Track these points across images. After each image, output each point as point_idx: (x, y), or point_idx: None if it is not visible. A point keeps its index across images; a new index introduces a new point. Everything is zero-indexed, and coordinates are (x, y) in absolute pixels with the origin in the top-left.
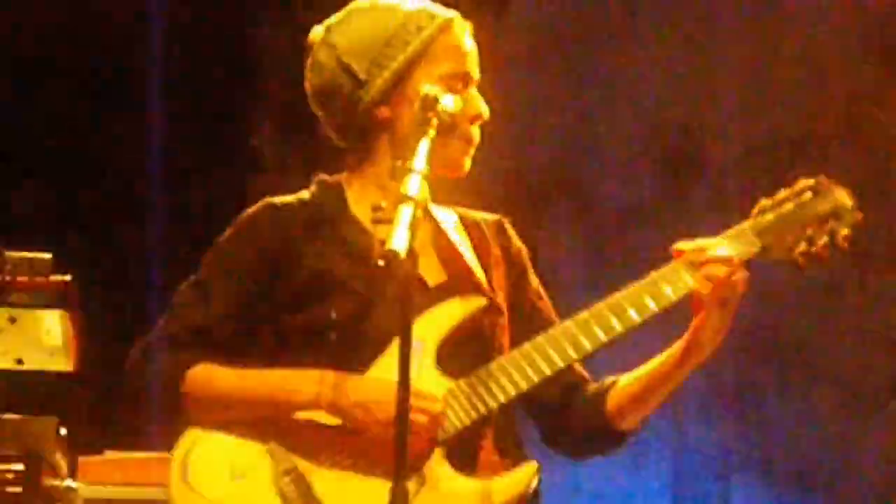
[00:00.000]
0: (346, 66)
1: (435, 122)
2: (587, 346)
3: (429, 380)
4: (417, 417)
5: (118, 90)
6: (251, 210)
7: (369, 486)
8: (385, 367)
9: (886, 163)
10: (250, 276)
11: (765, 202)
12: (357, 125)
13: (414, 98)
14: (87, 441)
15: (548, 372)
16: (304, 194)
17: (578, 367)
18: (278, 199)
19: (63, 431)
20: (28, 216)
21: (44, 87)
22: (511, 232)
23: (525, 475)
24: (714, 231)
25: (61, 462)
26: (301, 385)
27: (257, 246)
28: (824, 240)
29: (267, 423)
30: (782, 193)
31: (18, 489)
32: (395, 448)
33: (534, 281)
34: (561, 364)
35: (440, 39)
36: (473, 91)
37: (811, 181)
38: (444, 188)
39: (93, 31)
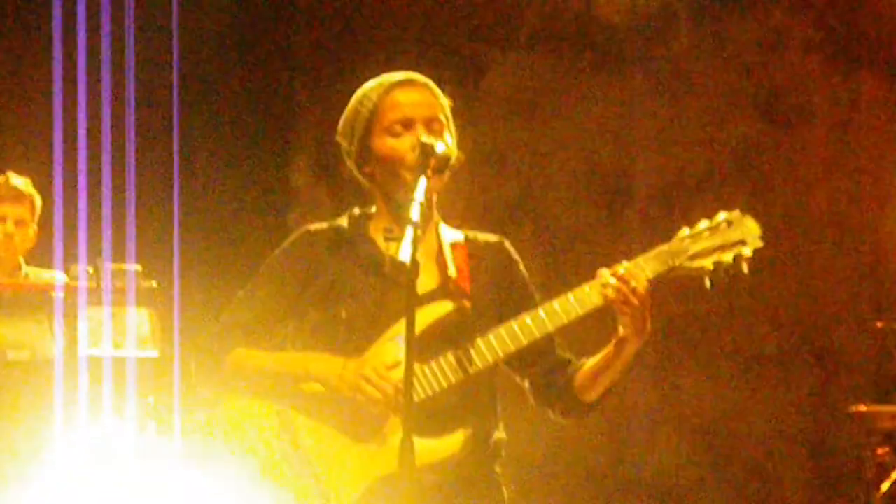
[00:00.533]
0: (339, 143)
1: (432, 162)
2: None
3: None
4: (368, 390)
5: None
6: (293, 234)
7: (343, 444)
8: (374, 353)
9: (771, 194)
10: (285, 284)
11: (684, 231)
12: (361, 179)
13: (381, 152)
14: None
15: (501, 355)
16: (340, 220)
17: (560, 352)
18: (314, 225)
19: (150, 400)
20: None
21: None
22: (510, 249)
23: (450, 442)
24: (641, 248)
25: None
26: (306, 363)
27: (292, 262)
28: (729, 261)
29: (282, 392)
30: (702, 224)
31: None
32: (403, 413)
33: (527, 287)
34: (512, 347)
35: (385, 100)
36: (420, 128)
37: (728, 214)
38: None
39: None
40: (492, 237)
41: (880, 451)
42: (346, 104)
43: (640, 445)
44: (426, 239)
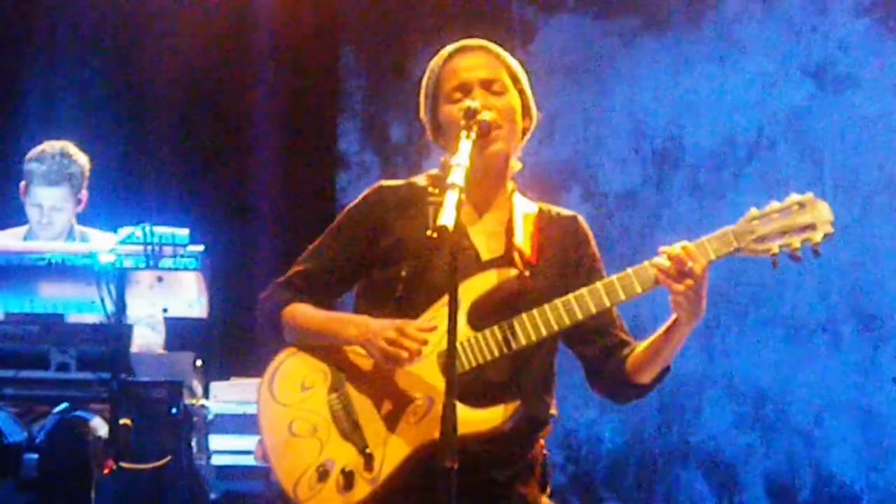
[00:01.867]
0: (419, 115)
1: (475, 127)
2: (583, 313)
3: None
4: (395, 350)
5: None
6: (367, 189)
7: (389, 409)
8: (429, 317)
9: (820, 159)
10: (352, 239)
11: (754, 212)
12: (438, 146)
13: (444, 121)
14: (217, 370)
15: (556, 328)
16: (418, 179)
17: (620, 333)
18: (388, 182)
19: (199, 363)
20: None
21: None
22: (583, 226)
23: (494, 414)
24: (690, 212)
25: (197, 386)
26: (344, 325)
27: (360, 217)
28: (797, 245)
29: (334, 350)
30: (773, 206)
31: (165, 406)
32: (447, 376)
33: (595, 266)
34: (567, 321)
35: (443, 70)
36: (478, 91)
37: (800, 196)
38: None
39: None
40: (566, 212)
41: None
42: (392, 69)
43: (688, 412)
44: (497, 207)
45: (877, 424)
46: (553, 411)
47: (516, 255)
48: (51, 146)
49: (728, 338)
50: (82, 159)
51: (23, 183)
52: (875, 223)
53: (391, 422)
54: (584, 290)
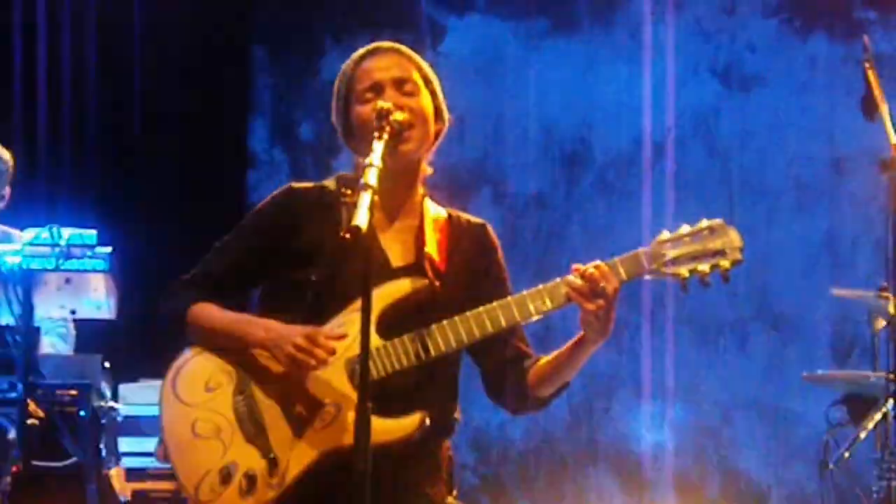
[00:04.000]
0: (331, 118)
1: (388, 128)
2: (494, 326)
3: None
4: (302, 356)
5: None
6: (277, 190)
7: (295, 414)
8: (338, 322)
9: (728, 159)
10: (259, 240)
11: (665, 235)
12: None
13: (356, 122)
14: (125, 372)
15: (465, 340)
16: (328, 182)
17: (522, 344)
18: (298, 184)
19: (107, 364)
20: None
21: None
22: (491, 235)
23: (406, 423)
24: (598, 212)
25: (106, 388)
26: (251, 328)
27: (269, 217)
28: (707, 270)
29: (239, 352)
30: (684, 230)
31: (74, 409)
32: (360, 380)
33: (501, 275)
34: (477, 334)
35: (356, 71)
36: (389, 92)
37: (711, 222)
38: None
39: None
40: (475, 220)
41: (837, 415)
42: (302, 68)
43: (597, 412)
44: (408, 212)
45: (784, 423)
46: (457, 416)
47: (427, 264)
48: None
49: (637, 337)
50: (6, 156)
51: None
52: (782, 222)
53: (297, 426)
54: (495, 304)
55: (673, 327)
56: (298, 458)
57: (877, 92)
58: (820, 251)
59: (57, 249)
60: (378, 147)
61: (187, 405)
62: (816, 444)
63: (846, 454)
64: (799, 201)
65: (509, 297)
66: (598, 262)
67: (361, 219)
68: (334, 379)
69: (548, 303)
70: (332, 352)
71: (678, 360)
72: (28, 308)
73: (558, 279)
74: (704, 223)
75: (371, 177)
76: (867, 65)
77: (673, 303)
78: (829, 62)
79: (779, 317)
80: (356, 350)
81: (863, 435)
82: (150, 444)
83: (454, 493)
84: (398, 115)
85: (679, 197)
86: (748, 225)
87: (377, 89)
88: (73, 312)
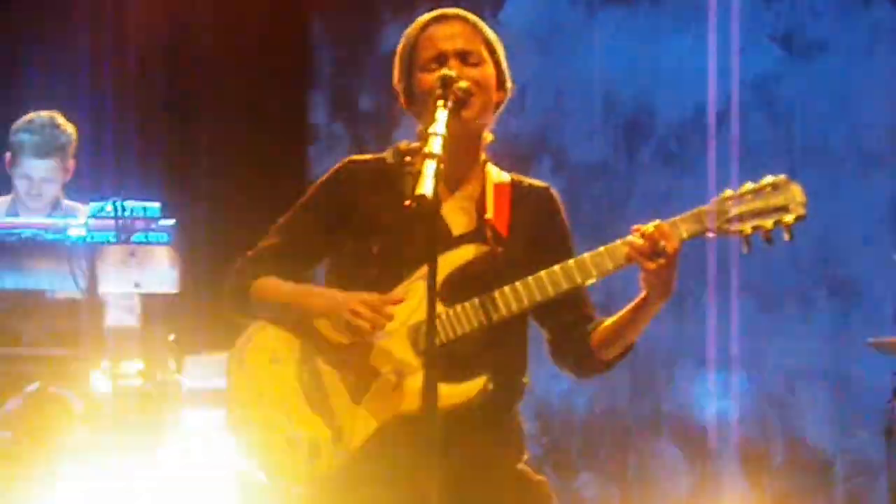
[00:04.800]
0: (392, 82)
1: (452, 97)
2: (556, 289)
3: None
4: (358, 321)
5: None
6: (336, 165)
7: (358, 382)
8: (401, 291)
9: (790, 126)
10: (320, 214)
11: (728, 193)
12: (410, 114)
13: (418, 89)
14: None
15: (527, 304)
16: (386, 153)
17: (587, 307)
18: (357, 157)
19: (172, 337)
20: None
21: None
22: (555, 198)
23: (469, 387)
24: (658, 184)
25: (172, 361)
26: (312, 298)
27: (329, 192)
28: (769, 226)
29: (302, 323)
30: (747, 187)
31: (139, 382)
32: (427, 348)
33: (566, 238)
34: (539, 298)
35: (420, 38)
36: (453, 62)
37: (774, 178)
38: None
39: None
40: (538, 183)
41: None
42: (360, 40)
43: (659, 381)
44: (470, 179)
45: (849, 390)
46: (525, 380)
47: (488, 230)
48: (39, 117)
49: (699, 305)
50: (70, 129)
51: (8, 154)
52: (846, 189)
53: (359, 395)
54: (556, 268)
55: (736, 295)
56: (362, 425)
57: None
58: (883, 218)
59: (120, 223)
60: (442, 115)
61: (253, 377)
62: (881, 411)
63: None
64: (862, 168)
65: (570, 261)
66: (658, 221)
67: (427, 187)
68: (396, 347)
69: (608, 264)
70: (390, 317)
71: (741, 328)
72: (93, 281)
73: (619, 240)
74: (768, 179)
75: (436, 145)
76: None
77: (736, 270)
78: (893, 28)
79: (842, 284)
80: (418, 317)
81: None
82: (215, 416)
83: (525, 457)
84: (462, 84)
85: (741, 165)
86: (811, 192)
87: (441, 59)
88: (137, 286)
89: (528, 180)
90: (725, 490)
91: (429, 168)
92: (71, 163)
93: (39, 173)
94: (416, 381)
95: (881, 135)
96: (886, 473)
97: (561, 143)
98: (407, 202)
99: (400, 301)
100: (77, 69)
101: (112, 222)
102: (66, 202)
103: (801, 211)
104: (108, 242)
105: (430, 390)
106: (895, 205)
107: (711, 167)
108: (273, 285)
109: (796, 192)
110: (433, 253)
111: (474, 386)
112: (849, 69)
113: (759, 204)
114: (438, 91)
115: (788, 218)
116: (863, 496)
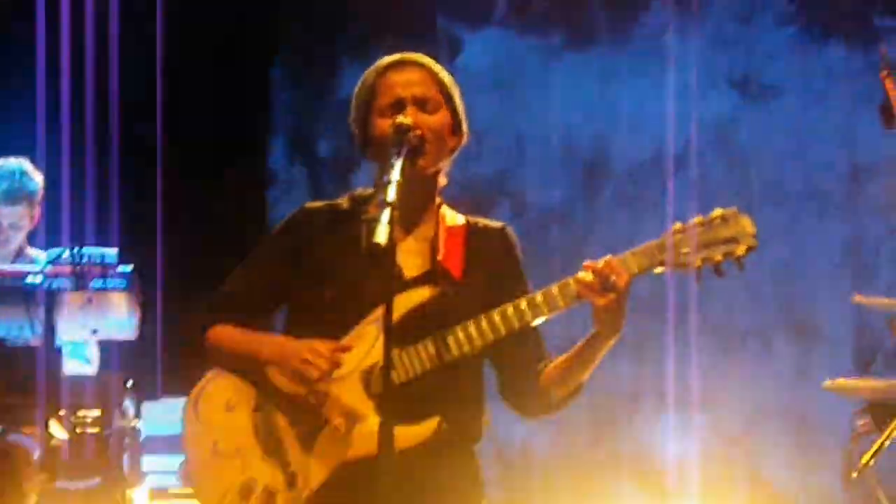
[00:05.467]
0: (349, 125)
1: (406, 145)
2: (506, 328)
3: (381, 347)
4: (306, 369)
5: None
6: (292, 212)
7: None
8: (354, 335)
9: (747, 169)
10: (277, 261)
11: (678, 226)
12: (365, 156)
13: (374, 134)
14: (148, 390)
15: (479, 343)
16: (342, 200)
17: (536, 346)
18: (312, 204)
19: (130, 383)
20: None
21: None
22: (511, 237)
23: (423, 429)
24: (617, 226)
25: (129, 407)
26: (262, 346)
27: (285, 240)
28: (719, 258)
29: (256, 371)
30: (697, 220)
31: (97, 429)
32: (382, 393)
33: (521, 278)
34: (491, 337)
35: (378, 83)
36: (410, 109)
37: (723, 211)
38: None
39: None
40: (494, 224)
41: (860, 422)
42: (321, 85)
43: (619, 423)
44: (424, 222)
45: (809, 432)
46: (486, 420)
47: (440, 272)
48: (8, 163)
49: (658, 347)
50: (38, 177)
51: None
52: (803, 230)
53: (312, 439)
54: (508, 307)
55: (696, 335)
56: (315, 472)
57: None
58: (841, 259)
59: (78, 269)
60: (397, 164)
61: (208, 425)
62: (841, 452)
63: (870, 462)
64: (819, 209)
65: (522, 300)
66: (608, 256)
67: (381, 235)
68: (347, 392)
69: (559, 301)
70: (339, 364)
71: (701, 369)
72: (50, 328)
73: (569, 278)
74: (717, 212)
75: (391, 193)
76: (885, 73)
77: (696, 311)
78: (847, 71)
79: (801, 324)
80: (371, 360)
81: (887, 443)
82: (173, 462)
83: (483, 502)
84: (416, 132)
85: (699, 207)
86: (769, 233)
87: (398, 105)
88: (94, 332)
89: (483, 221)
90: None
91: (384, 216)
92: (37, 210)
93: (7, 219)
94: (365, 427)
95: (837, 176)
96: None
97: (520, 186)
98: (363, 250)
99: (349, 349)
100: (33, 114)
101: (69, 269)
102: (30, 250)
103: (752, 242)
104: (66, 289)
105: (385, 432)
106: (851, 244)
107: (670, 209)
108: (227, 334)
109: (746, 224)
110: (389, 298)
111: (428, 427)
112: (804, 111)
113: (708, 236)
114: (393, 138)
115: (739, 249)
116: None
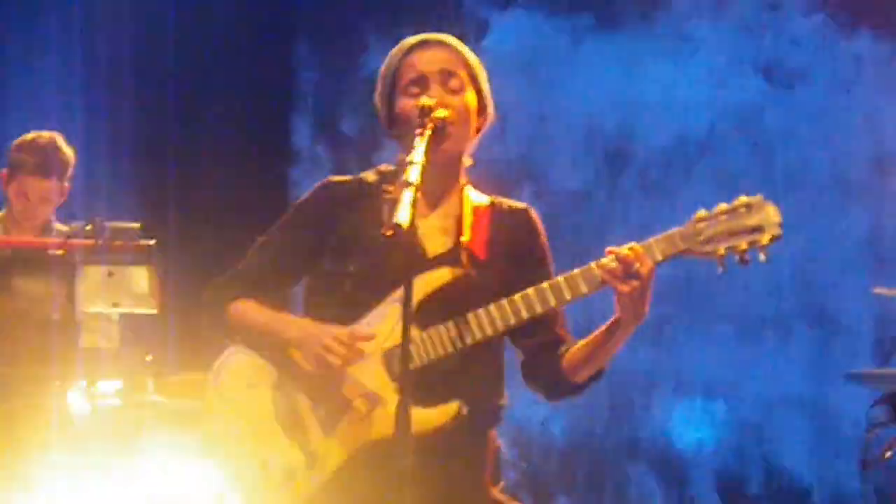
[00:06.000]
0: (374, 103)
1: (430, 125)
2: (529, 312)
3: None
4: (327, 355)
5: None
6: (315, 185)
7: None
8: (376, 314)
9: (771, 156)
10: (298, 234)
11: (702, 213)
12: (390, 135)
13: (398, 114)
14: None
15: (502, 327)
16: (367, 174)
17: (561, 329)
18: (336, 178)
19: (149, 358)
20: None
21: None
22: (534, 219)
23: (443, 412)
24: (640, 210)
25: (148, 381)
26: (284, 327)
27: (308, 213)
28: (744, 247)
29: (277, 350)
30: (721, 207)
31: (118, 402)
32: (402, 375)
33: (544, 260)
34: (513, 320)
35: (403, 62)
36: (434, 88)
37: (748, 198)
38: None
39: None
40: (518, 205)
41: (879, 413)
42: (346, 64)
43: (637, 408)
44: (448, 201)
45: (827, 420)
46: (503, 402)
47: (463, 253)
48: (41, 137)
49: (677, 333)
50: (70, 152)
51: (5, 171)
52: (825, 219)
53: (333, 421)
54: (530, 290)
55: (714, 323)
56: (334, 454)
57: None
58: (862, 249)
59: (100, 242)
60: (420, 144)
61: (230, 401)
62: (859, 441)
63: (887, 454)
64: (842, 198)
65: (545, 283)
66: (632, 243)
67: (403, 216)
68: (368, 374)
69: (582, 286)
70: (361, 353)
71: (719, 357)
72: (71, 301)
73: (593, 263)
74: (742, 199)
75: (413, 174)
76: None
77: (715, 299)
78: (874, 60)
79: (821, 313)
80: (393, 341)
81: None
82: (192, 437)
83: (500, 484)
84: (440, 113)
85: (721, 194)
86: (791, 222)
87: (422, 83)
88: (115, 305)
89: (507, 202)
90: None
91: (406, 196)
92: (67, 186)
93: (38, 193)
94: (386, 409)
95: (861, 164)
96: (863, 503)
97: (543, 169)
98: (384, 230)
99: (371, 337)
100: (51, 86)
101: (91, 242)
102: (57, 225)
103: (777, 231)
104: (88, 262)
105: (404, 415)
106: (874, 235)
107: (693, 195)
108: (250, 309)
109: (771, 213)
110: (409, 282)
111: (448, 411)
112: (830, 99)
113: (733, 224)
114: (417, 119)
115: (763, 238)
116: None
